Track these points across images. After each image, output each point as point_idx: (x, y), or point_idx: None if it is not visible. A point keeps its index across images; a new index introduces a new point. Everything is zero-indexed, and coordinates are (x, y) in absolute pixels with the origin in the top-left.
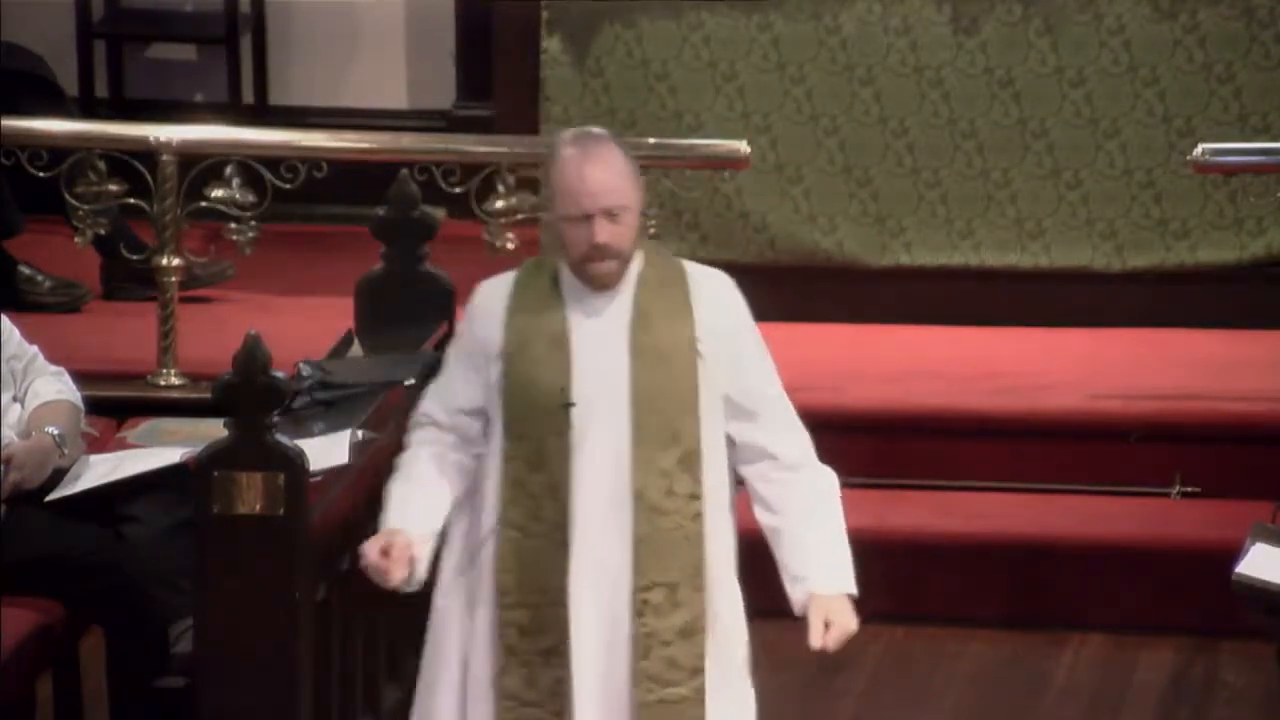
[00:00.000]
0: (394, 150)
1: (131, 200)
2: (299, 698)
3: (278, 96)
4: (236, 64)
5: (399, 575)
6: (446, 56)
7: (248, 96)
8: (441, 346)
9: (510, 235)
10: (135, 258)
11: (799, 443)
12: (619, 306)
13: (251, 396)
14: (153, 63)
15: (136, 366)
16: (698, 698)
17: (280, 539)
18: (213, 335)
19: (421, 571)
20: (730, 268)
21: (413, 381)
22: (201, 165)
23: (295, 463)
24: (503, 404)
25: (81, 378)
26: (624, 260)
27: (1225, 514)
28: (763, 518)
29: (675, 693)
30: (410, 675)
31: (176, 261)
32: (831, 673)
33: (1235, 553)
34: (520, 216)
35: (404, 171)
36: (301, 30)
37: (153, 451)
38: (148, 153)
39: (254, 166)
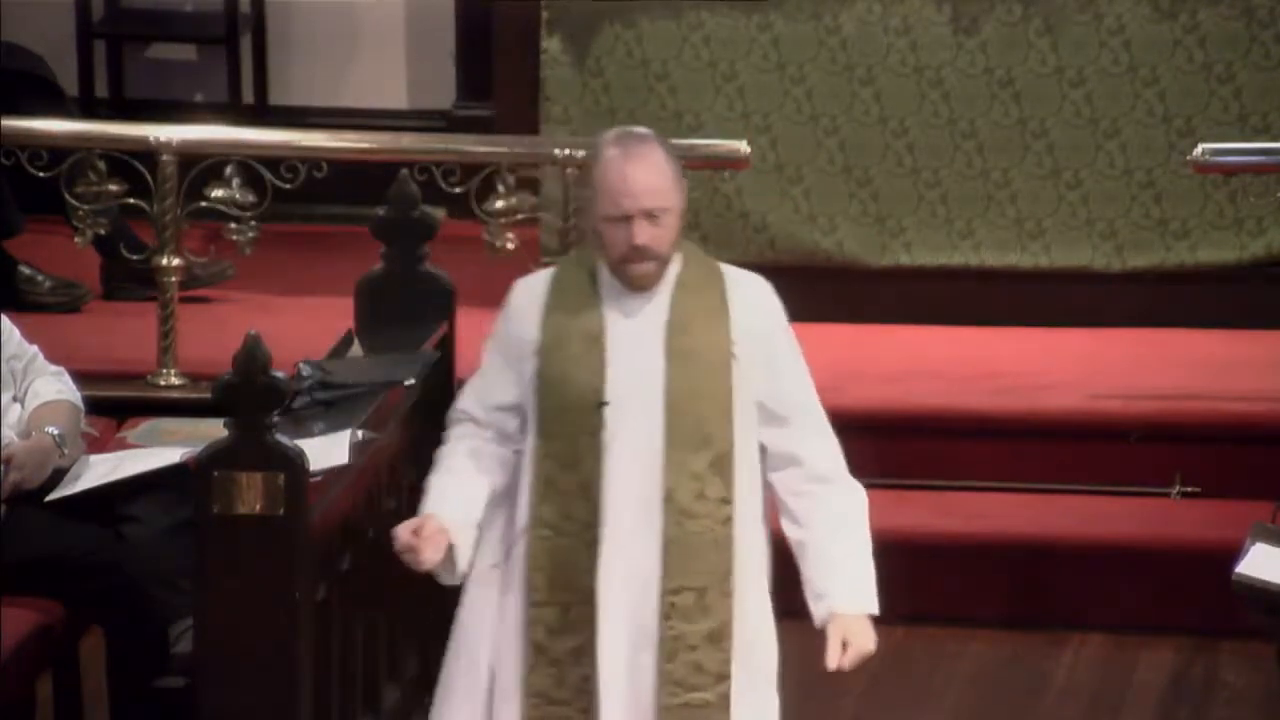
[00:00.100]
0: (394, 150)
1: (131, 200)
2: (299, 698)
3: (278, 96)
4: (236, 64)
5: (430, 556)
6: (446, 56)
7: (248, 96)
8: (442, 346)
9: (510, 235)
10: (135, 258)
11: (829, 453)
12: (656, 308)
13: (251, 396)
14: (153, 63)
15: (136, 366)
16: (722, 703)
17: (280, 539)
18: (213, 335)
19: (463, 562)
20: None
21: (413, 381)
22: (201, 165)
23: (295, 463)
24: (536, 401)
25: (81, 378)
26: (663, 262)
27: (1225, 514)
28: (789, 530)
29: (700, 697)
30: (410, 675)
31: (176, 261)
32: (831, 672)
33: (1235, 553)
34: (520, 216)
35: (404, 171)
36: (301, 30)
37: (153, 451)
38: (148, 153)
39: (254, 166)
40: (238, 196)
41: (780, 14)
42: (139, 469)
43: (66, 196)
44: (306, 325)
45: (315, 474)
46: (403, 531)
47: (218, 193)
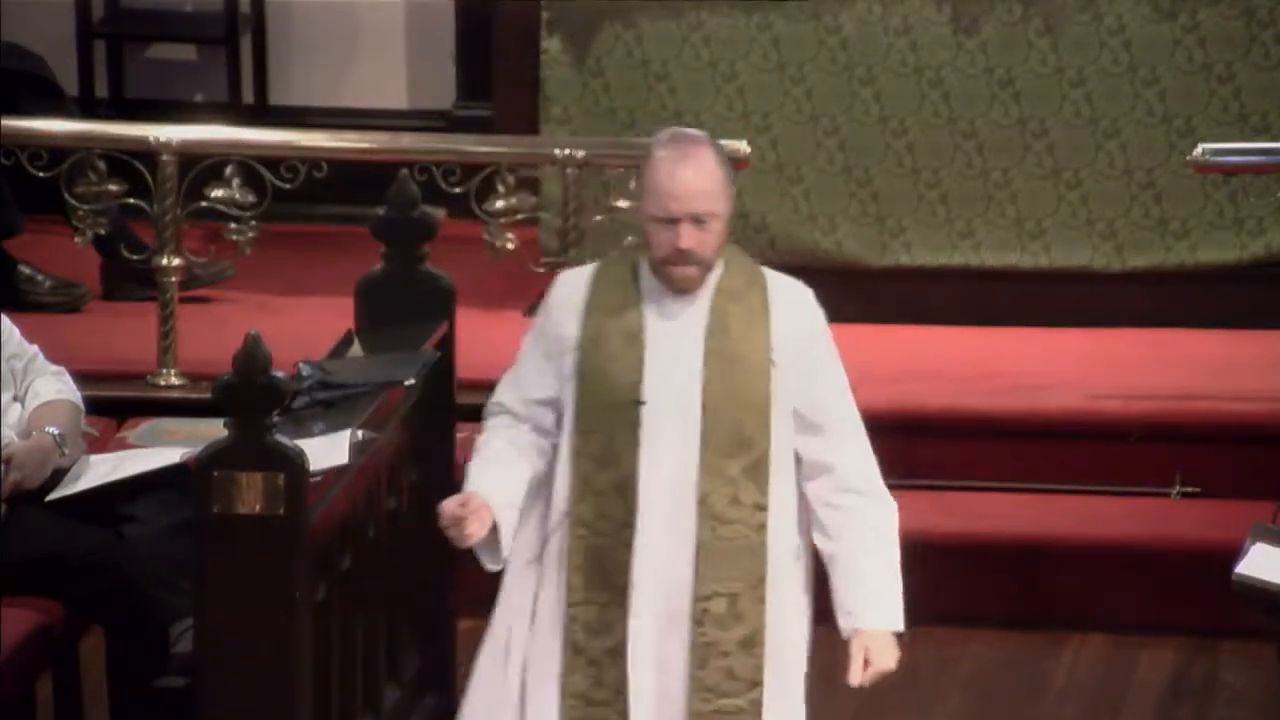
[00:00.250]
0: (394, 150)
1: (131, 200)
2: (299, 698)
3: (278, 96)
4: (236, 64)
5: (476, 530)
6: (446, 56)
7: (248, 96)
8: (442, 346)
9: (510, 235)
10: (135, 258)
11: (863, 465)
12: (696, 311)
13: (251, 396)
14: (153, 63)
15: (136, 366)
16: (754, 710)
17: (280, 539)
18: (213, 335)
19: (506, 542)
20: None
21: (412, 381)
22: (201, 165)
23: (295, 463)
24: (574, 398)
25: (81, 378)
26: (706, 267)
27: (1225, 514)
28: (819, 541)
29: (732, 704)
30: (410, 675)
31: (176, 261)
32: (831, 673)
33: (1235, 553)
34: (520, 216)
35: (404, 171)
36: (301, 30)
37: (153, 451)
38: (148, 153)
39: (254, 166)
40: (238, 196)
41: (780, 14)
42: (139, 469)
43: (66, 196)
44: (306, 325)
45: (315, 474)
46: (450, 504)
47: (218, 193)
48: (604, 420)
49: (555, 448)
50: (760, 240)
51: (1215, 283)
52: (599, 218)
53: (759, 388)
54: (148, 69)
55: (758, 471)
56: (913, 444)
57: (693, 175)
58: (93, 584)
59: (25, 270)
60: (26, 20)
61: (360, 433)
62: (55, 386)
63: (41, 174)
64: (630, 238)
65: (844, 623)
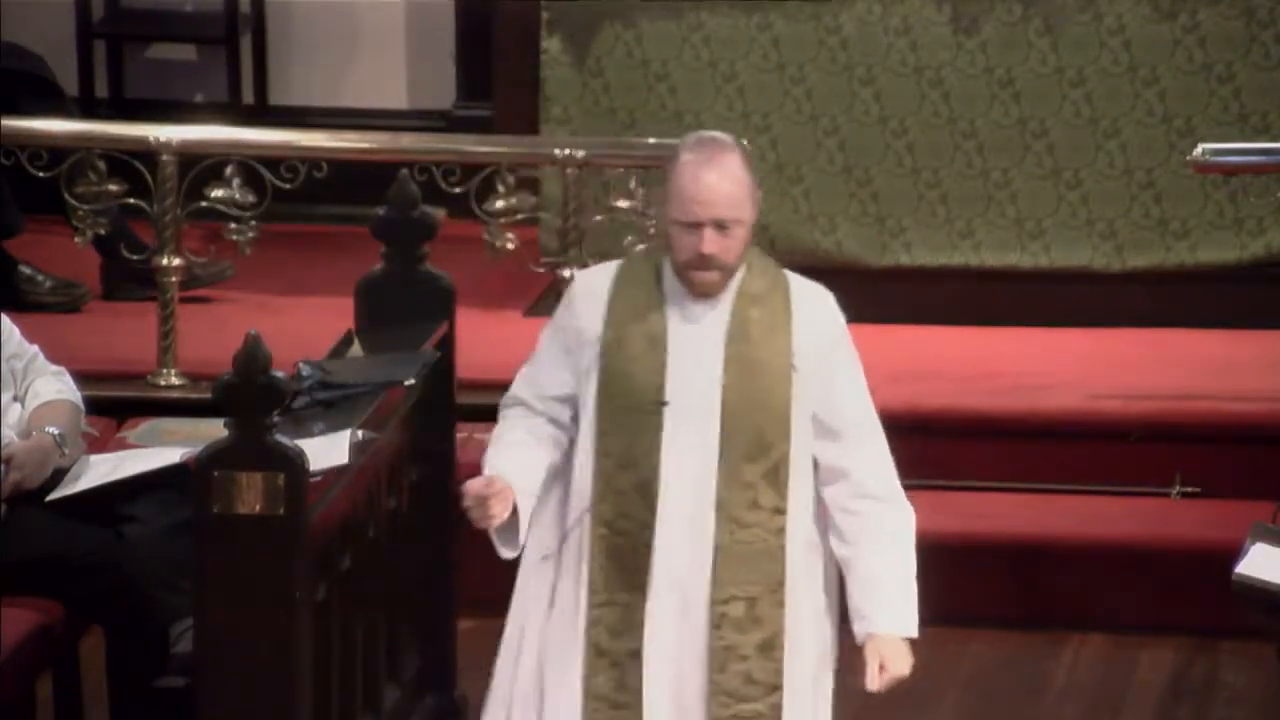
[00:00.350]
0: (394, 150)
1: (131, 200)
2: (299, 698)
3: (278, 96)
4: (236, 64)
5: (499, 512)
6: (446, 56)
7: (248, 96)
8: (442, 346)
9: (510, 235)
10: (135, 258)
11: (881, 471)
12: (718, 314)
13: (251, 396)
14: (153, 63)
15: (136, 366)
16: (774, 714)
17: (280, 539)
18: (213, 335)
19: (523, 530)
20: None
21: (412, 381)
22: (201, 165)
23: (295, 463)
24: (596, 399)
25: (81, 378)
26: (728, 273)
27: (1225, 514)
28: (835, 546)
29: (751, 709)
30: (409, 675)
31: (176, 261)
32: (835, 675)
33: (1235, 553)
34: (520, 216)
35: (404, 171)
36: (301, 30)
37: (153, 451)
38: (148, 153)
39: (254, 166)
40: (238, 196)
41: (780, 14)
42: (139, 469)
43: (66, 196)
44: (306, 325)
45: (315, 474)
46: (475, 484)
47: (218, 193)
48: (626, 421)
49: (572, 441)
50: (760, 240)
51: (1215, 283)
52: (599, 218)
53: (779, 392)
54: (148, 69)
55: (777, 476)
56: (913, 443)
57: (717, 180)
58: (93, 584)
59: (25, 270)
60: (26, 20)
61: (360, 433)
62: (55, 386)
63: (41, 174)
64: (630, 237)
65: (858, 627)
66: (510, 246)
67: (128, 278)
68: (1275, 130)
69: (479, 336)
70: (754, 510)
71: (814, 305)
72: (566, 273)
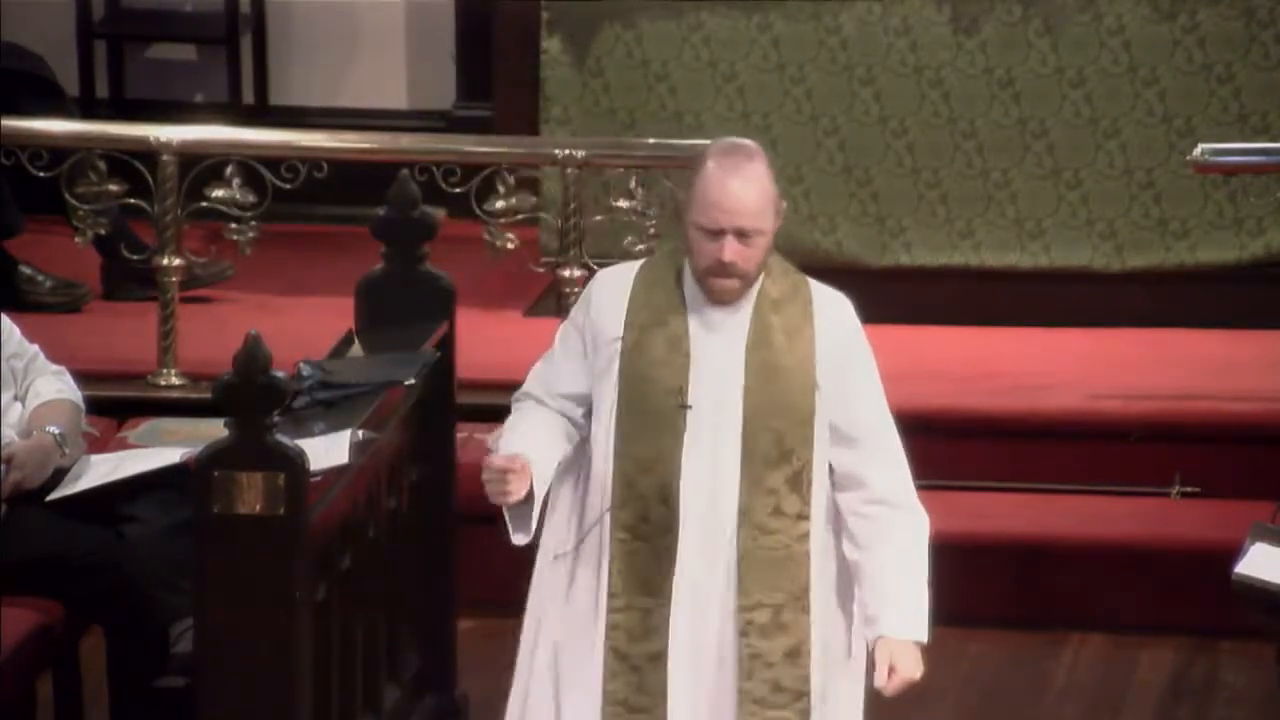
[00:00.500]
0: (394, 150)
1: (132, 200)
2: (299, 698)
3: (278, 96)
4: (236, 64)
5: (516, 489)
6: (446, 56)
7: (248, 96)
8: (442, 346)
9: (510, 235)
10: (135, 258)
11: (895, 478)
12: (738, 320)
13: (251, 396)
14: (153, 63)
15: (136, 366)
16: None
17: (280, 539)
18: (213, 335)
19: (535, 517)
20: None
21: (412, 381)
22: (202, 165)
23: (295, 463)
24: (616, 402)
25: (82, 378)
26: (747, 281)
27: (1225, 514)
28: (848, 551)
29: (779, 715)
30: (409, 675)
31: (177, 261)
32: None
33: (1235, 553)
34: (520, 216)
35: (404, 171)
36: (301, 30)
37: (153, 451)
38: (148, 153)
39: (254, 166)
40: (238, 196)
41: (780, 14)
42: (139, 469)
43: (67, 196)
44: (306, 325)
45: (315, 474)
46: (497, 459)
47: (218, 193)
48: (647, 425)
49: (584, 439)
50: None
51: (1215, 283)
52: (599, 218)
53: (802, 399)
54: (148, 69)
55: (800, 482)
56: (913, 444)
57: (742, 188)
58: (93, 584)
59: (26, 270)
60: (26, 20)
61: (360, 433)
62: (56, 386)
63: (42, 174)
64: (630, 237)
65: (868, 630)
66: (510, 246)
67: (128, 278)
68: (1275, 130)
69: (479, 336)
70: (777, 517)
71: (834, 312)
72: (566, 273)
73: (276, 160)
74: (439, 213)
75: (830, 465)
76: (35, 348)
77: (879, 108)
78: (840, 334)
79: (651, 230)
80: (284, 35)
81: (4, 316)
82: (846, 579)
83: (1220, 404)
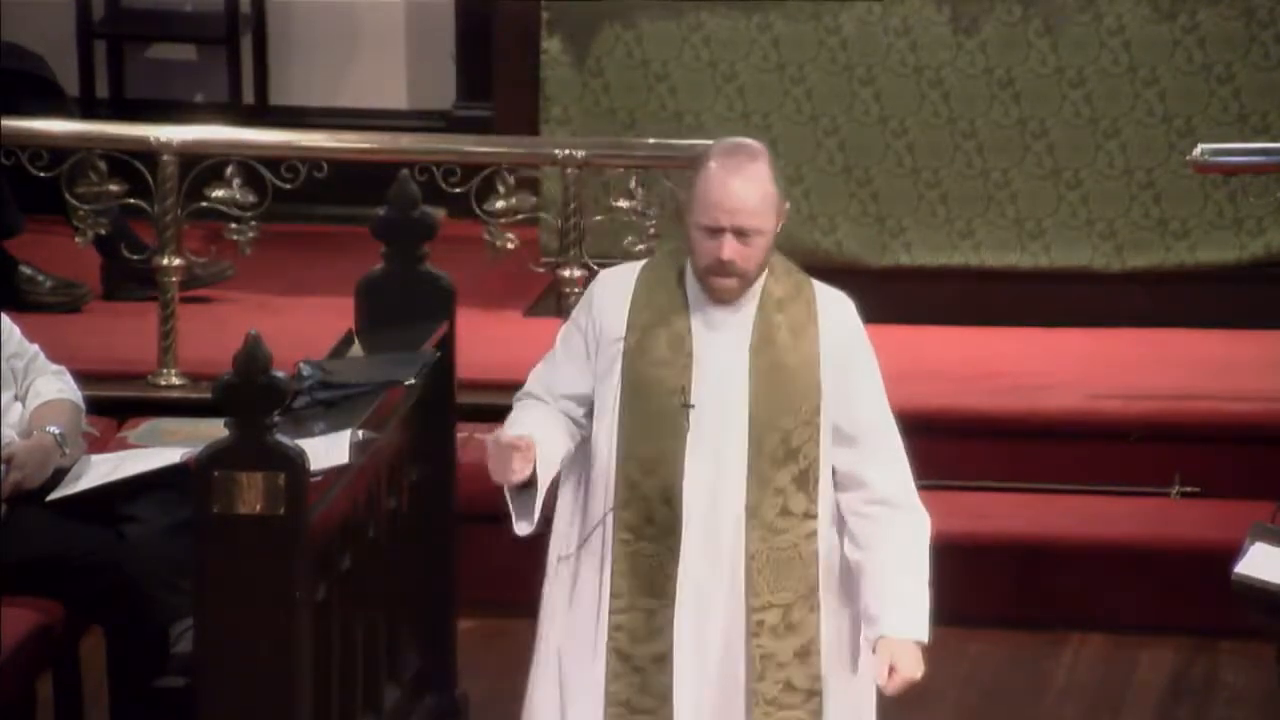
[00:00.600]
0: (394, 150)
1: (132, 200)
2: (299, 698)
3: (278, 96)
4: (236, 64)
5: (519, 468)
6: (446, 56)
7: (248, 96)
8: (442, 346)
9: (510, 235)
10: (135, 258)
11: (896, 478)
12: (742, 319)
13: (251, 396)
14: (153, 63)
15: (137, 366)
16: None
17: (280, 539)
18: (213, 335)
19: (538, 508)
20: None
21: (413, 381)
22: (202, 165)
23: (295, 463)
24: (619, 402)
25: (82, 378)
26: (746, 281)
27: (1225, 514)
28: (849, 551)
29: (793, 715)
30: (409, 675)
31: (177, 261)
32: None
33: (1235, 553)
34: (520, 216)
35: (404, 171)
36: (301, 30)
37: (153, 451)
38: (148, 153)
39: (254, 166)
40: (238, 196)
41: (780, 14)
42: (139, 469)
43: (67, 196)
44: (306, 325)
45: (315, 474)
46: (505, 435)
47: (218, 193)
48: (650, 425)
49: (585, 439)
50: None
51: (1215, 283)
52: (599, 218)
53: (808, 398)
54: (148, 69)
55: (806, 481)
56: (913, 444)
57: (743, 188)
58: (93, 584)
59: (26, 270)
60: (26, 20)
61: (360, 433)
62: (56, 386)
63: (42, 174)
64: (630, 237)
65: (868, 630)
66: (510, 246)
67: (128, 278)
68: (1275, 130)
69: (479, 336)
70: (785, 516)
71: (837, 311)
72: (566, 273)
73: (276, 160)
74: (439, 213)
75: (833, 465)
76: (35, 348)
77: (879, 108)
78: (843, 334)
79: (651, 230)
80: (284, 35)
81: (4, 316)
82: (854, 576)
83: (1220, 404)
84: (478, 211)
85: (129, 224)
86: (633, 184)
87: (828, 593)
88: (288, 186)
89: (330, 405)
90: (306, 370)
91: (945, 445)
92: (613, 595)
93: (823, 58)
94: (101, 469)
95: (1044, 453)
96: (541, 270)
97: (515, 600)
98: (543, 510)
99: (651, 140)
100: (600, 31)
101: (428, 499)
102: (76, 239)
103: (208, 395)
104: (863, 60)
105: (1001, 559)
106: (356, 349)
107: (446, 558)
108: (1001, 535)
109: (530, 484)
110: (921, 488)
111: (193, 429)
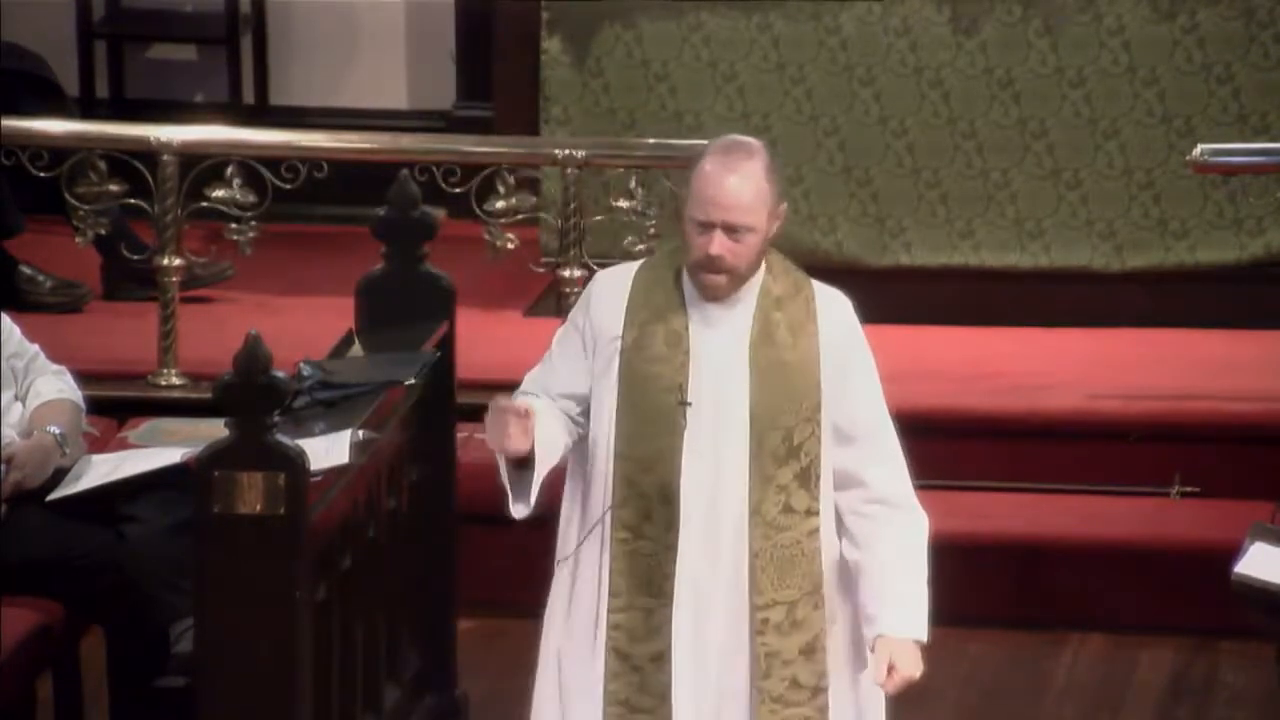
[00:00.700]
0: (394, 150)
1: (132, 200)
2: (299, 698)
3: (278, 96)
4: (236, 64)
5: (515, 435)
6: (446, 56)
7: (248, 96)
8: (442, 346)
9: (510, 235)
10: (136, 258)
11: (895, 477)
12: (740, 317)
13: (252, 396)
14: (153, 63)
15: (137, 366)
16: (820, 717)
17: (280, 539)
18: (213, 335)
19: (535, 493)
20: None
21: (413, 381)
22: (202, 165)
23: (295, 463)
24: (617, 400)
25: (82, 378)
26: (737, 279)
27: (1225, 514)
28: (847, 551)
29: (798, 713)
30: (409, 675)
31: (177, 261)
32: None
33: (1235, 553)
34: (520, 216)
35: (404, 171)
36: (301, 30)
37: (153, 451)
38: (148, 153)
39: (254, 166)
40: (238, 196)
41: (780, 14)
42: (139, 469)
43: (67, 196)
44: (306, 325)
45: (315, 474)
46: (508, 402)
47: (218, 193)
48: (647, 423)
49: (582, 437)
50: None
51: (1215, 283)
52: (599, 218)
53: (809, 395)
54: (148, 69)
55: (808, 478)
56: (913, 444)
57: (736, 184)
58: (93, 584)
59: (26, 270)
60: (26, 20)
61: (360, 433)
62: (56, 386)
63: (42, 174)
64: (630, 237)
65: (867, 629)
66: (510, 246)
67: (128, 278)
68: (1275, 130)
69: (479, 336)
70: (787, 514)
71: (835, 310)
72: (566, 273)
73: (276, 160)
74: (439, 213)
75: (831, 464)
76: (35, 347)
77: (879, 108)
78: (842, 333)
79: (651, 230)
80: (284, 35)
81: (4, 316)
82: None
83: (1220, 404)
84: (478, 211)
85: (129, 224)
86: (633, 184)
87: (831, 590)
88: (288, 186)
89: (330, 405)
90: (306, 370)
91: (945, 445)
92: (611, 594)
93: (823, 58)
94: (102, 469)
95: (1044, 453)
96: (541, 270)
97: (515, 600)
98: (543, 506)
99: (651, 140)
100: (600, 31)
101: (428, 499)
102: (76, 239)
103: (208, 395)
104: (863, 60)
105: (1001, 559)
106: (356, 349)
107: (446, 558)
108: (1001, 535)
109: (528, 463)
110: (921, 488)
111: (193, 429)
